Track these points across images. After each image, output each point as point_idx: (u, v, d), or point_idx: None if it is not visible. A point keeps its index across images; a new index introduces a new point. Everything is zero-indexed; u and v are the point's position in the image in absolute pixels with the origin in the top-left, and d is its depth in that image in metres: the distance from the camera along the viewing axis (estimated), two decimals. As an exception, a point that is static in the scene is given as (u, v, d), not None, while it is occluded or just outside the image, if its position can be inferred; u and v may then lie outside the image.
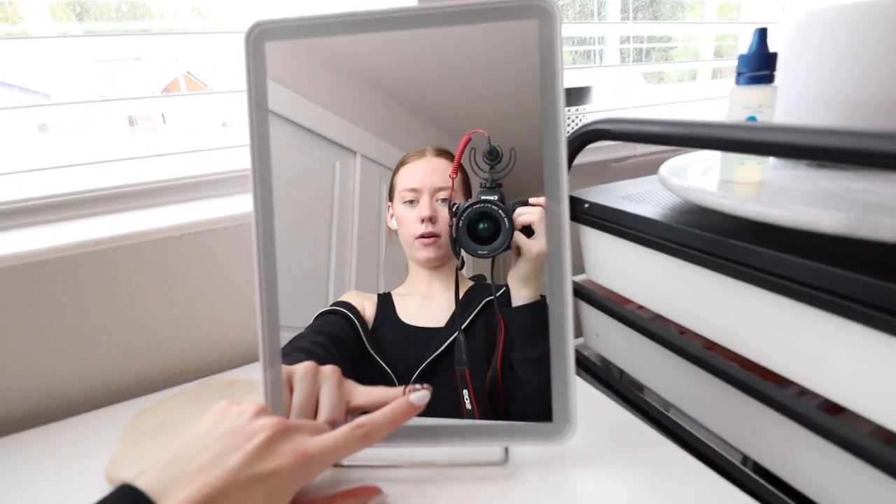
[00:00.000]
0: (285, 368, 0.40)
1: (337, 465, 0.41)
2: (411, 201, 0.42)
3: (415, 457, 0.42)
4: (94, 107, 0.60)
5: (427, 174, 0.42)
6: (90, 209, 0.59)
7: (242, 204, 0.62)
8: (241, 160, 0.67)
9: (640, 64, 0.98)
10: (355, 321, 0.42)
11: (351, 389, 0.39)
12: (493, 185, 0.40)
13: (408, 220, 0.42)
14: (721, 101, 1.08)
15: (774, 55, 0.48)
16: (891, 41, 0.53)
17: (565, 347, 0.39)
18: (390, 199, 0.43)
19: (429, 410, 0.40)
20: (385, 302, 0.42)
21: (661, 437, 0.44)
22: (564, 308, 0.38)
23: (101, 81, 0.62)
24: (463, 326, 0.41)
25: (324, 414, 0.38)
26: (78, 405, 0.56)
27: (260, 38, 0.40)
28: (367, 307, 0.42)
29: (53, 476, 0.44)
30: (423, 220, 0.41)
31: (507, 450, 0.42)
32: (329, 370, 0.39)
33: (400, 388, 0.40)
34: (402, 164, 0.42)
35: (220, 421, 0.33)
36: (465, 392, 0.41)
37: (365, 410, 0.38)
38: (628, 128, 0.51)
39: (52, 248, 0.52)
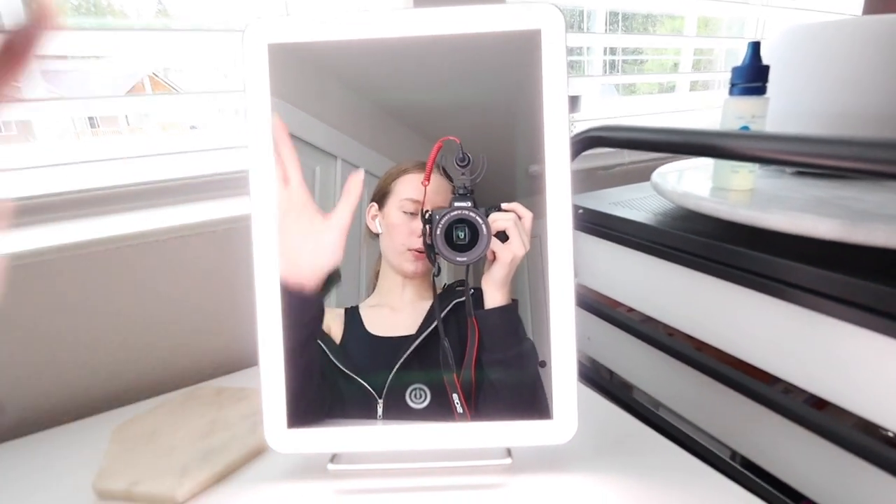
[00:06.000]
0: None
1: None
2: (411, 213, 0.41)
3: (418, 458, 0.41)
4: (65, 105, 0.57)
5: (434, 192, 0.41)
6: (71, 211, 0.56)
7: (229, 208, 0.60)
8: (223, 163, 0.64)
9: (624, 75, 1.01)
10: (323, 346, 0.41)
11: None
12: (466, 192, 0.40)
13: (403, 231, 0.41)
14: (696, 112, 1.12)
15: (767, 68, 0.50)
16: (870, 57, 0.56)
17: (568, 347, 0.39)
18: (376, 201, 0.42)
19: (420, 415, 0.40)
20: (352, 316, 0.42)
21: (655, 433, 0.45)
22: (567, 310, 0.39)
23: (59, 82, 0.59)
24: (432, 331, 0.41)
25: None
26: (56, 416, 0.53)
27: (257, 36, 0.39)
28: (334, 326, 0.42)
29: (36, 488, 0.42)
30: (421, 236, 0.41)
31: (509, 450, 0.42)
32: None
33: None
34: (403, 171, 0.42)
35: None
36: (455, 396, 0.40)
37: None
38: (626, 135, 0.52)
39: (32, 251, 0.49)
